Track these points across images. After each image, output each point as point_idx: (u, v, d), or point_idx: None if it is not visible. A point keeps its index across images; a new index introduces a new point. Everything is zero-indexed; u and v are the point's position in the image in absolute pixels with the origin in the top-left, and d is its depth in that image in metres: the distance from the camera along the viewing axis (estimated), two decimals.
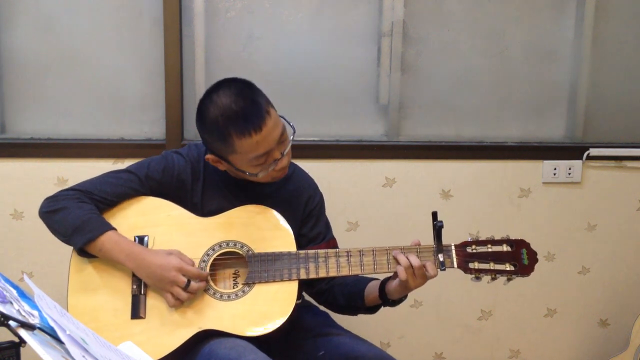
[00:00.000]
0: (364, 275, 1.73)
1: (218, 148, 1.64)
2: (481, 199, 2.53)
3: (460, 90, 2.53)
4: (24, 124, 2.38)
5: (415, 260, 1.60)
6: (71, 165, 2.32)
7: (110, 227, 1.62)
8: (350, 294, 1.78)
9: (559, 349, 2.71)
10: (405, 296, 1.70)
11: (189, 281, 1.58)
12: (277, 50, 2.40)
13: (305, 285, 1.86)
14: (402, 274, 1.60)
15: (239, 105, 1.58)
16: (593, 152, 2.54)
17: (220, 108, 1.59)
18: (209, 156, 1.68)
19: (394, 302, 1.71)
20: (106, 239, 1.60)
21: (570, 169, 2.55)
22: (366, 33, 2.45)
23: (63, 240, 1.65)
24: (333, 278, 1.79)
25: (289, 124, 1.68)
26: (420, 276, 1.61)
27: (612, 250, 2.65)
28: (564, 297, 2.66)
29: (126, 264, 1.61)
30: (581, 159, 2.55)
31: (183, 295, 1.58)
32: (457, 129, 2.55)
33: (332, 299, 1.81)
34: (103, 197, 1.67)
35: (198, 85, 2.38)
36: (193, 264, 1.62)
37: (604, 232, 2.62)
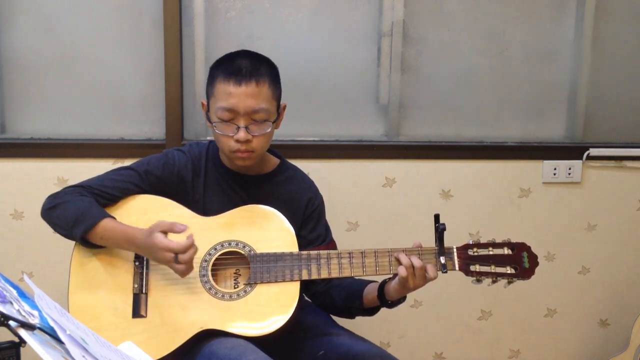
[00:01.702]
0: (362, 278, 1.73)
1: (207, 91, 1.73)
2: (481, 199, 2.53)
3: (460, 90, 2.53)
4: (24, 124, 2.38)
5: (416, 261, 1.60)
6: (71, 165, 2.32)
7: (108, 215, 1.63)
8: (348, 296, 1.77)
9: (559, 349, 2.71)
10: (404, 298, 1.70)
11: (176, 256, 1.54)
12: (277, 50, 2.40)
13: (302, 287, 1.86)
14: (403, 272, 1.60)
15: (241, 61, 1.67)
16: (593, 152, 2.54)
17: (229, 58, 1.70)
18: (203, 101, 1.76)
19: (392, 304, 1.70)
20: (104, 225, 1.61)
21: (570, 169, 2.55)
22: (366, 33, 2.45)
23: (65, 235, 1.65)
24: (330, 280, 1.79)
25: (277, 113, 1.71)
26: (420, 277, 1.61)
27: (612, 250, 2.65)
28: (564, 297, 2.66)
29: (129, 248, 1.63)
30: (581, 159, 2.55)
31: (179, 268, 1.55)
32: (457, 129, 2.55)
33: (330, 301, 1.80)
34: (103, 191, 1.68)
35: (198, 85, 2.38)
36: (172, 227, 1.55)
37: (604, 232, 2.62)
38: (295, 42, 2.43)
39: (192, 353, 1.58)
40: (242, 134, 1.64)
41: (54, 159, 2.32)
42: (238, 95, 1.63)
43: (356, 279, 1.79)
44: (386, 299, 1.68)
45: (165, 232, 1.56)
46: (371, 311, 1.76)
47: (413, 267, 1.60)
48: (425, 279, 1.62)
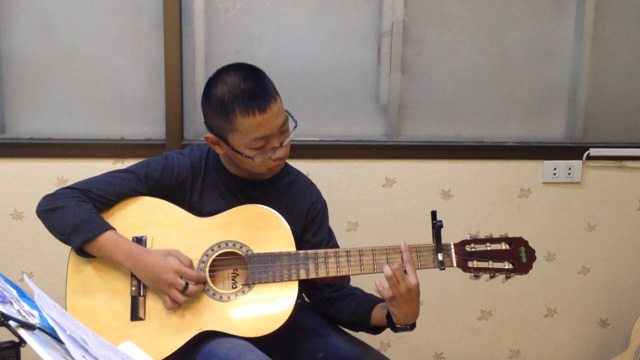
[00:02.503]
0: (361, 276, 1.72)
1: (220, 126, 1.64)
2: (481, 199, 2.53)
3: (460, 90, 2.53)
4: (24, 124, 2.38)
5: (394, 265, 1.56)
6: (71, 165, 2.33)
7: (110, 227, 1.62)
8: (356, 310, 1.74)
9: (559, 349, 2.71)
10: (413, 326, 1.65)
11: (186, 284, 1.57)
12: (277, 50, 2.40)
13: (307, 292, 1.85)
14: (386, 294, 1.57)
15: (247, 85, 1.61)
16: (593, 152, 2.54)
17: (229, 85, 1.62)
18: (208, 135, 1.69)
19: (399, 328, 1.64)
20: (105, 238, 1.60)
21: (570, 169, 2.55)
22: (366, 33, 2.45)
23: (61, 239, 1.64)
24: (338, 290, 1.78)
25: (292, 117, 1.69)
26: (400, 277, 1.55)
27: (612, 250, 2.65)
28: (564, 297, 2.66)
29: (125, 264, 1.61)
30: (581, 159, 2.55)
31: (181, 298, 1.57)
32: (457, 129, 2.55)
33: (335, 311, 1.78)
34: (101, 195, 1.66)
35: (198, 85, 2.38)
36: (191, 264, 1.61)
37: (604, 232, 2.62)
38: (295, 42, 2.43)
39: (191, 354, 1.58)
40: (282, 152, 1.65)
41: (54, 159, 2.32)
42: (267, 120, 1.61)
43: (366, 294, 1.78)
44: (393, 322, 1.63)
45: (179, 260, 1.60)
46: (376, 330, 1.74)
47: (392, 277, 1.56)
48: (406, 284, 1.56)
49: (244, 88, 1.61)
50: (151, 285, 1.61)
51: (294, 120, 1.68)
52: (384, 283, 1.59)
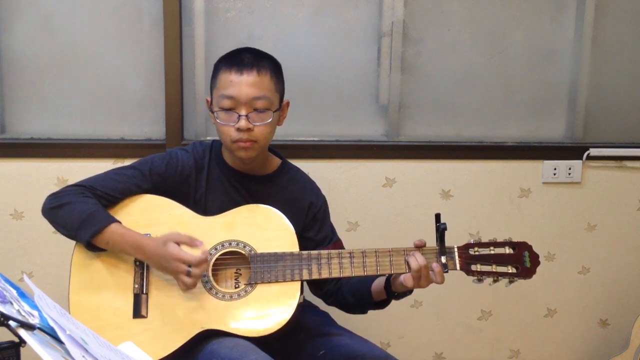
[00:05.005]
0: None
1: (211, 83, 1.76)
2: (481, 199, 2.53)
3: (460, 90, 2.53)
4: (24, 124, 2.38)
5: (421, 259, 1.61)
6: (71, 165, 2.32)
7: (115, 220, 1.63)
8: (357, 290, 1.78)
9: (559, 349, 2.71)
10: (411, 291, 1.69)
11: (189, 268, 1.56)
12: (277, 50, 2.38)
13: (312, 287, 1.86)
14: (409, 282, 1.61)
15: (243, 53, 1.72)
16: (593, 152, 2.54)
17: (234, 50, 1.76)
18: (207, 97, 1.78)
19: (398, 295, 1.71)
20: (112, 231, 1.61)
21: (570, 169, 2.55)
22: (366, 33, 2.45)
23: (68, 235, 1.65)
24: (340, 279, 1.79)
25: (275, 110, 1.70)
26: (425, 277, 1.62)
27: (612, 250, 2.65)
28: (564, 297, 2.66)
29: (135, 255, 1.62)
30: (581, 159, 2.55)
31: (189, 282, 1.57)
32: (457, 129, 2.55)
33: (342, 299, 1.82)
34: (106, 192, 1.67)
35: (198, 85, 2.38)
36: (191, 241, 1.59)
37: (604, 232, 2.62)
38: (295, 42, 2.43)
39: (192, 353, 1.58)
40: (243, 122, 1.65)
41: (54, 159, 2.32)
42: (239, 83, 1.65)
43: (366, 275, 1.80)
44: (392, 290, 1.69)
45: (178, 244, 1.58)
46: (381, 304, 1.77)
47: (420, 270, 1.60)
48: (429, 280, 1.62)
49: (240, 53, 1.71)
50: (164, 272, 1.62)
51: (275, 110, 1.70)
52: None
